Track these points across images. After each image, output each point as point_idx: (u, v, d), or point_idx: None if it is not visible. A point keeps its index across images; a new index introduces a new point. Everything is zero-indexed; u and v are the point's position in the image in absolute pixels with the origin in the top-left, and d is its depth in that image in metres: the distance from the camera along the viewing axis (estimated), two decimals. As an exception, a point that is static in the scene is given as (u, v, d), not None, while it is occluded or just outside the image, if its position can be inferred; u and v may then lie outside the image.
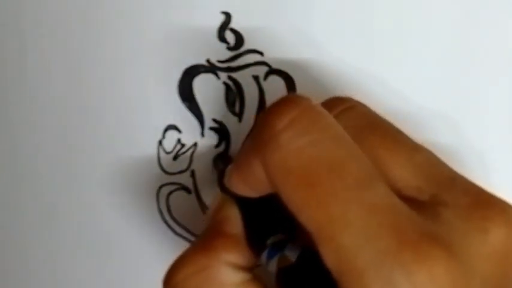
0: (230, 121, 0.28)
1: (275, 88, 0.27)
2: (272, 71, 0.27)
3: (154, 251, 0.28)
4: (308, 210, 0.18)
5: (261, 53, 0.27)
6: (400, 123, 0.22)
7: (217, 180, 0.27)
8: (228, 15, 0.27)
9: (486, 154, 0.27)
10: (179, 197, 0.28)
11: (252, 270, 0.22)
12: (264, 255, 0.21)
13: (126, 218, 0.28)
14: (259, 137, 0.20)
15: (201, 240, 0.22)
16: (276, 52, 0.27)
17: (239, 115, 0.28)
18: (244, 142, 0.21)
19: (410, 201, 0.19)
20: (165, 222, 0.28)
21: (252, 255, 0.22)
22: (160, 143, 0.28)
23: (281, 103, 0.20)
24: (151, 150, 0.28)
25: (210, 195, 0.28)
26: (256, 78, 0.27)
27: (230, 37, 0.27)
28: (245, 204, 0.23)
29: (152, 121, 0.27)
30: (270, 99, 0.27)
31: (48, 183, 0.28)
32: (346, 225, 0.18)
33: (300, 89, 0.27)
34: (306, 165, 0.19)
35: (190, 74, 0.27)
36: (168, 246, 0.28)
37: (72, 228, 0.28)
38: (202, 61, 0.27)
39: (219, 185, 0.26)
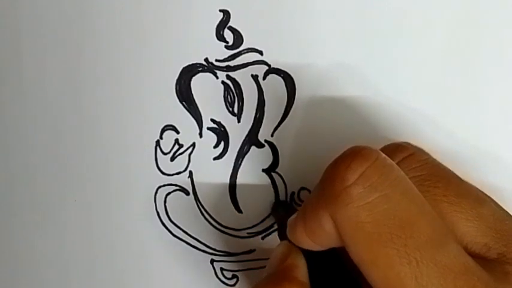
0: (229, 121, 0.27)
1: (275, 87, 0.27)
2: (271, 70, 0.27)
3: (152, 253, 0.28)
4: (377, 268, 0.18)
5: (260, 52, 0.27)
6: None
7: (277, 230, 0.26)
8: (226, 14, 0.27)
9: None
10: (177, 198, 0.28)
11: None
12: None
13: (123, 219, 0.28)
14: (329, 190, 0.19)
15: (269, 284, 0.22)
16: (276, 51, 0.27)
17: (238, 115, 0.27)
18: (311, 194, 0.22)
19: (477, 258, 0.19)
20: (163, 224, 0.28)
21: None
22: (157, 143, 0.27)
23: (350, 155, 0.20)
24: (149, 150, 0.27)
25: (209, 197, 0.28)
26: (255, 77, 0.27)
27: (229, 36, 0.27)
28: (309, 256, 0.22)
29: (149, 121, 0.27)
30: (269, 99, 0.27)
31: (44, 183, 0.28)
32: (420, 287, 0.18)
33: (300, 89, 0.27)
34: (377, 222, 0.19)
35: (188, 73, 0.27)
36: (165, 248, 0.28)
37: (68, 229, 0.28)
38: (200, 60, 0.27)
39: (280, 235, 0.26)
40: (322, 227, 0.20)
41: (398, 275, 0.18)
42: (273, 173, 0.28)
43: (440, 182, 0.21)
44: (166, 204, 0.28)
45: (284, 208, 0.27)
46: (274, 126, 0.27)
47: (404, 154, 0.22)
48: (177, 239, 0.28)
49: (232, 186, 0.28)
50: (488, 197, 0.23)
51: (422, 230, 0.19)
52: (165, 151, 0.27)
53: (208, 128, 0.27)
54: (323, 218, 0.20)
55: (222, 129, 0.27)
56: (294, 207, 0.27)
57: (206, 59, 0.27)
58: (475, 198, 0.21)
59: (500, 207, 0.23)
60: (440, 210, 0.21)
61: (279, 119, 0.27)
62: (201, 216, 0.28)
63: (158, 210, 0.28)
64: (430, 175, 0.22)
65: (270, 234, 0.28)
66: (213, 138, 0.27)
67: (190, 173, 0.28)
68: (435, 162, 0.22)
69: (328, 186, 0.20)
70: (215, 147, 0.27)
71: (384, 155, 0.20)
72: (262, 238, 0.28)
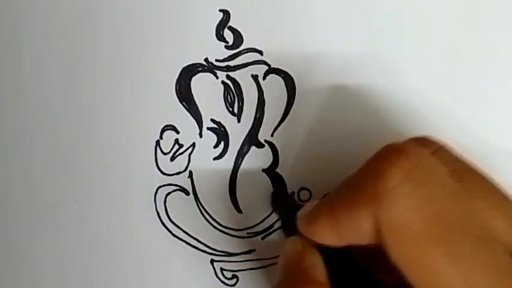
0: (229, 121, 0.27)
1: (274, 87, 0.27)
2: (271, 70, 0.27)
3: (152, 253, 0.28)
4: (425, 268, 0.18)
5: (260, 52, 0.27)
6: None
7: (282, 224, 0.26)
8: (226, 14, 0.27)
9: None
10: (177, 198, 0.28)
11: None
12: None
13: (123, 219, 0.28)
14: (372, 189, 0.19)
15: (289, 286, 0.21)
16: (276, 51, 0.27)
17: (238, 115, 0.27)
18: (338, 191, 0.21)
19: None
20: (163, 223, 0.28)
21: None
22: (157, 143, 0.27)
23: (393, 153, 0.19)
24: (149, 150, 0.27)
25: (209, 197, 0.28)
26: (255, 77, 0.27)
27: (229, 36, 0.27)
28: (325, 253, 0.22)
29: (149, 121, 0.27)
30: (269, 99, 0.27)
31: (44, 183, 0.28)
32: (469, 287, 0.18)
33: (300, 89, 0.27)
34: (426, 221, 0.18)
35: (188, 73, 0.27)
36: (165, 248, 0.28)
37: (68, 229, 0.28)
38: (200, 60, 0.27)
39: (285, 230, 0.25)
40: (359, 226, 0.19)
41: (447, 275, 0.18)
42: (273, 173, 0.27)
43: (471, 177, 0.21)
44: (166, 204, 0.28)
45: (285, 201, 0.27)
46: (274, 126, 0.27)
47: (433, 148, 0.21)
48: (177, 239, 0.28)
49: (232, 186, 0.28)
50: None
51: (469, 230, 0.18)
52: (165, 151, 0.27)
53: (208, 128, 0.27)
54: (361, 218, 0.19)
55: (222, 129, 0.27)
56: (296, 201, 0.27)
57: (206, 59, 0.27)
58: (503, 196, 0.21)
59: None
60: (472, 206, 0.20)
61: (279, 119, 0.27)
62: (201, 216, 0.28)
63: (158, 210, 0.28)
64: (460, 170, 0.21)
65: (270, 234, 0.28)
66: (213, 138, 0.27)
67: (190, 173, 0.28)
68: (463, 158, 0.22)
69: (370, 185, 0.19)
70: (215, 147, 0.27)
71: (426, 151, 0.19)
72: (262, 238, 0.28)
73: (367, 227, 0.19)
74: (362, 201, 0.19)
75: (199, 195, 0.28)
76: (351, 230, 0.20)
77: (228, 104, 0.27)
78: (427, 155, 0.19)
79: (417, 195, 0.18)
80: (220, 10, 0.27)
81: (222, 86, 0.27)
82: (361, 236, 0.20)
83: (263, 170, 0.27)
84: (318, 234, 0.21)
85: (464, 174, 0.21)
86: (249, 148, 0.27)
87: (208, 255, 0.28)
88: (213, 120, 0.27)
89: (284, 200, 0.27)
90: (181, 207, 0.28)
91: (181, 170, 0.28)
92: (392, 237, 0.19)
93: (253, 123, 0.27)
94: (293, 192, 0.27)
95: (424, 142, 0.22)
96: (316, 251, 0.22)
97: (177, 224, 0.28)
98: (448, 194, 0.19)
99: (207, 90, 0.27)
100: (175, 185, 0.28)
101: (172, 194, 0.28)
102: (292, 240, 0.23)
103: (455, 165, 0.21)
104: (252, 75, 0.27)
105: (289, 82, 0.27)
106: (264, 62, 0.27)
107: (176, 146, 0.27)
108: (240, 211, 0.28)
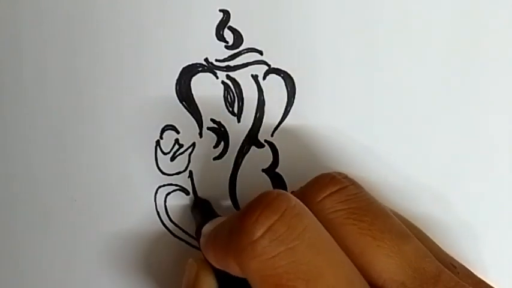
0: (229, 121, 0.27)
1: (274, 87, 0.27)
2: (271, 70, 0.27)
3: (152, 253, 0.28)
4: None
5: (260, 52, 0.27)
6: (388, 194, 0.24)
7: (195, 231, 0.26)
8: (226, 14, 0.27)
9: (474, 226, 0.28)
10: (177, 198, 0.28)
11: None
12: None
13: (123, 219, 0.28)
14: (237, 241, 0.20)
15: None
16: (276, 51, 0.27)
17: (238, 115, 0.27)
18: (222, 227, 0.22)
19: None
20: (163, 223, 0.28)
21: None
22: (157, 143, 0.27)
23: (259, 207, 0.20)
24: (149, 150, 0.27)
25: (209, 197, 0.28)
26: (255, 77, 0.27)
27: (229, 36, 0.27)
28: (221, 273, 0.23)
29: (149, 121, 0.27)
30: (269, 99, 0.27)
31: (44, 183, 0.28)
32: None
33: (300, 88, 0.27)
34: (280, 276, 0.19)
35: (188, 73, 0.27)
36: (165, 248, 0.28)
37: (68, 229, 0.28)
38: (200, 60, 0.27)
39: (196, 236, 0.26)
40: (230, 268, 0.21)
41: None
42: (273, 173, 0.27)
43: (367, 216, 0.22)
44: (166, 204, 0.28)
45: (202, 208, 0.27)
46: (274, 126, 0.27)
47: (336, 187, 0.22)
48: (177, 239, 0.28)
49: (232, 186, 0.28)
50: (419, 231, 0.24)
51: (328, 283, 0.19)
52: (165, 151, 0.27)
53: (208, 128, 0.27)
54: (231, 265, 0.20)
55: (222, 129, 0.27)
56: (213, 210, 0.27)
57: (206, 59, 0.27)
58: (400, 235, 0.22)
59: (430, 241, 0.24)
60: (364, 244, 0.21)
61: (279, 119, 0.27)
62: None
63: (158, 210, 0.28)
64: (357, 208, 0.22)
65: (270, 234, 0.28)
66: (213, 138, 0.27)
67: (190, 173, 0.28)
68: (365, 196, 0.23)
69: (235, 238, 0.20)
70: (215, 147, 0.27)
71: (294, 201, 0.20)
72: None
73: (237, 272, 0.20)
74: (230, 252, 0.20)
75: (199, 195, 0.28)
76: (228, 269, 0.21)
77: (228, 104, 0.27)
78: (292, 208, 0.20)
79: (275, 250, 0.19)
80: (220, 10, 0.27)
81: (222, 86, 0.27)
82: (238, 274, 0.21)
83: (263, 170, 0.27)
84: (208, 259, 0.23)
85: (362, 212, 0.22)
86: (249, 148, 0.27)
87: (208, 255, 0.28)
88: (213, 120, 0.27)
89: (201, 208, 0.27)
90: (181, 207, 0.28)
91: (181, 170, 0.28)
92: (256, 285, 0.19)
93: (253, 123, 0.27)
94: (293, 192, 0.27)
95: (329, 180, 0.23)
96: (209, 276, 0.23)
97: (177, 224, 0.28)
98: (310, 248, 0.19)
99: (207, 90, 0.27)
100: (175, 185, 0.28)
101: (172, 194, 0.28)
102: (189, 264, 0.24)
103: (356, 203, 0.22)
104: (252, 75, 0.27)
105: (289, 82, 0.27)
106: (264, 62, 0.27)
107: (176, 146, 0.27)
108: (240, 211, 0.28)
